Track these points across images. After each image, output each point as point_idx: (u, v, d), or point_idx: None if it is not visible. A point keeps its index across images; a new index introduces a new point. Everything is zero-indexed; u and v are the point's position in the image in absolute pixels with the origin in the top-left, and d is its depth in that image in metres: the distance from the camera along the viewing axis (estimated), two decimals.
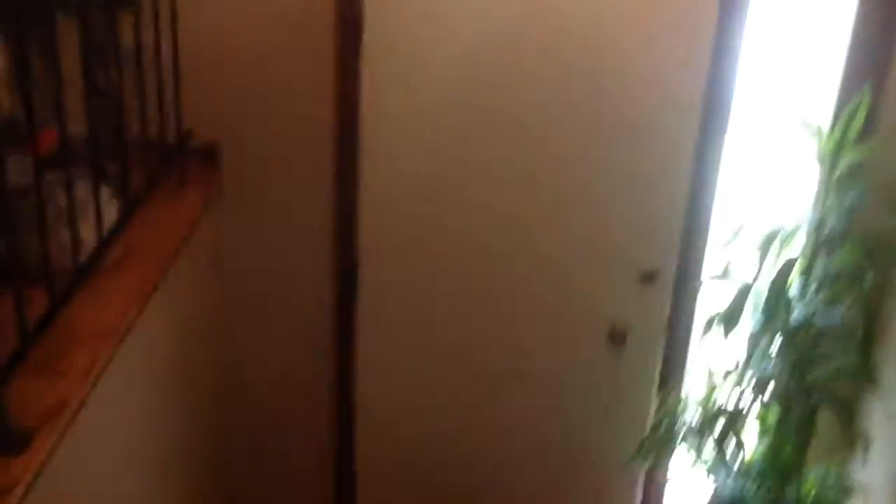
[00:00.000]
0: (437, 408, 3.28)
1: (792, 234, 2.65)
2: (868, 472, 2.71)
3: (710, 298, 3.00)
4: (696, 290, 3.04)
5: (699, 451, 2.88)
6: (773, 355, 2.74)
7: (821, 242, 2.60)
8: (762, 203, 2.92)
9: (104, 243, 2.13)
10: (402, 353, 3.21)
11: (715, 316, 2.77)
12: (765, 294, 2.67)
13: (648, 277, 2.98)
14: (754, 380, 2.77)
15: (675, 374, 3.16)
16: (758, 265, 2.65)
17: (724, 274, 2.84)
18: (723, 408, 2.81)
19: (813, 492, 2.81)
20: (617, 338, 3.06)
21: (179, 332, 2.73)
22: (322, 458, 3.39)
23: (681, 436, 2.92)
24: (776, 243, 2.62)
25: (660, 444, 2.94)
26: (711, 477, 2.92)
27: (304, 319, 3.18)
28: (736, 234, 2.68)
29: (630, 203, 2.93)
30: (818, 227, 2.60)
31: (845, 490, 2.82)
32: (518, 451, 3.31)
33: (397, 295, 3.13)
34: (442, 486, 3.39)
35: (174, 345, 2.69)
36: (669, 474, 3.22)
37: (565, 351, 3.14)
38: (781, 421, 2.71)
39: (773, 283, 2.60)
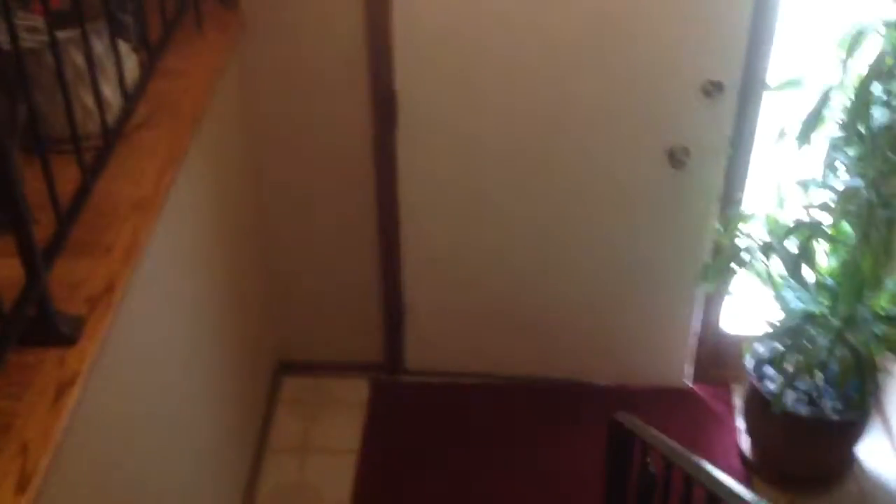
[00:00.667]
0: (486, 238, 3.16)
1: (871, 31, 2.42)
2: None
3: (777, 110, 2.81)
4: (761, 100, 2.82)
5: (766, 268, 2.76)
6: (853, 165, 2.57)
7: None
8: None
9: (129, 102, 1.94)
10: (446, 183, 3.06)
11: (790, 124, 2.59)
12: (848, 98, 2.47)
13: (711, 90, 2.75)
14: (831, 191, 2.62)
15: (738, 191, 2.99)
16: (841, 67, 2.43)
17: (795, 82, 2.63)
18: (798, 221, 2.66)
19: (890, 305, 2.69)
20: (678, 157, 2.87)
21: (217, 186, 2.58)
22: (370, 295, 3.31)
23: (747, 254, 2.80)
24: (860, 42, 2.39)
25: (724, 264, 2.82)
26: (781, 293, 2.82)
27: (342, 154, 3.02)
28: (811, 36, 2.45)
29: (689, 8, 2.66)
30: None
31: None
32: (577, 272, 3.20)
33: (439, 121, 2.93)
34: (493, 313, 3.31)
35: (214, 201, 2.54)
36: (733, 292, 3.11)
37: (625, 169, 2.96)
38: (859, 234, 2.56)
39: (861, 84, 2.39)
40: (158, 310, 2.08)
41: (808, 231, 2.61)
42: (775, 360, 2.97)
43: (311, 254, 3.25)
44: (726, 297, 3.21)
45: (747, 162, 2.96)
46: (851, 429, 2.91)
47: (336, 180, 3.07)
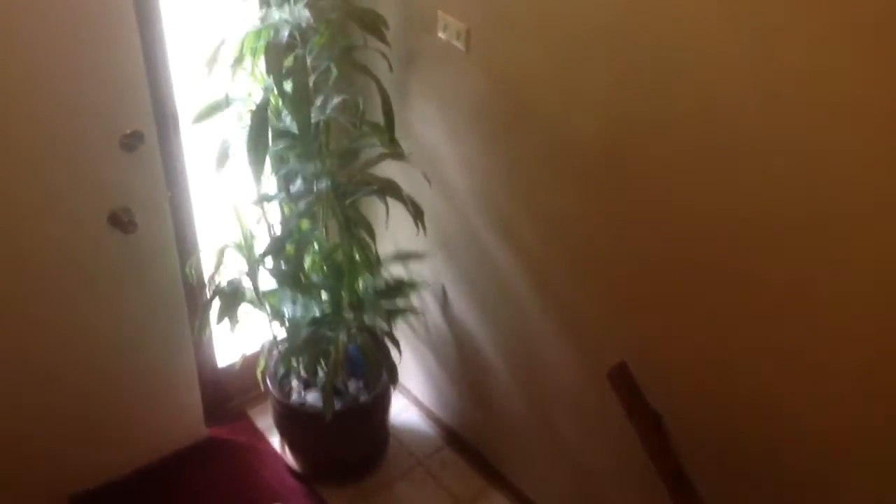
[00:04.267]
0: None
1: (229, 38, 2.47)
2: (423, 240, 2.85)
3: (207, 140, 2.73)
4: (184, 139, 2.73)
5: (257, 295, 2.73)
6: (300, 166, 2.63)
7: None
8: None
9: None
10: None
11: (223, 149, 2.55)
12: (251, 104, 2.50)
13: (132, 142, 2.55)
14: (289, 198, 2.66)
15: (192, 232, 2.89)
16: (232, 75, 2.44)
17: (215, 107, 2.57)
18: (275, 238, 2.66)
19: (372, 283, 2.87)
20: (123, 220, 2.63)
21: None
22: None
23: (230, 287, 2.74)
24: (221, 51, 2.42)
25: (225, 304, 2.72)
26: (281, 310, 2.82)
27: None
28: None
29: (84, 69, 2.42)
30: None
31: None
32: (61, 382, 2.79)
33: None
34: None
35: None
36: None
37: (75, 248, 2.62)
38: (332, 224, 2.66)
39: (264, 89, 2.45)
40: None
41: (295, 242, 2.62)
42: (290, 371, 2.99)
43: None
44: (211, 335, 3.12)
45: (190, 201, 2.86)
46: (381, 403, 3.07)
47: None
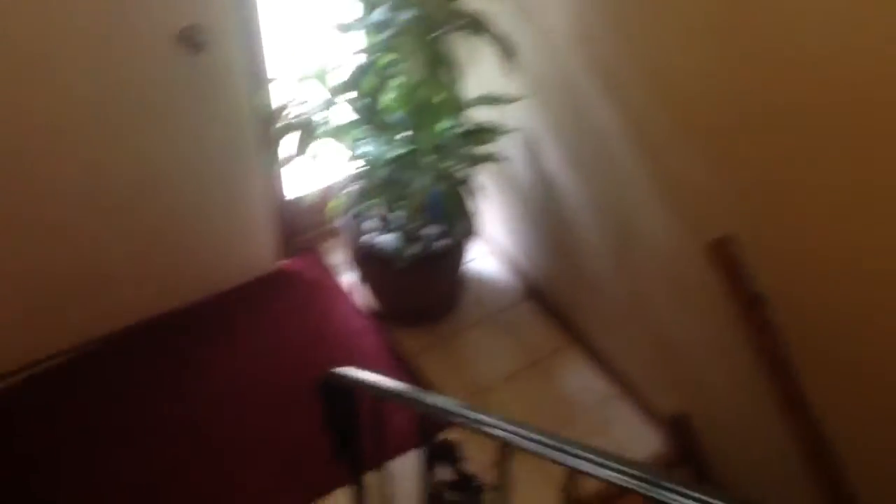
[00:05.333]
0: None
1: None
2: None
3: None
4: None
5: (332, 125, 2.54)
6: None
7: None
8: None
9: None
10: None
11: None
12: None
13: None
14: (377, 27, 2.42)
15: (262, 59, 2.68)
16: None
17: None
18: (358, 67, 2.44)
19: (455, 122, 2.65)
20: (193, 39, 2.43)
21: None
22: None
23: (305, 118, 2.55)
24: None
25: (287, 132, 2.54)
26: (357, 145, 2.64)
27: None
28: None
29: None
30: None
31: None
32: (124, 206, 2.68)
33: None
34: (21, 291, 2.69)
35: None
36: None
37: (139, 67, 2.45)
38: (418, 60, 2.42)
39: None
40: None
41: (376, 76, 2.41)
42: (366, 211, 2.85)
43: None
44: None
45: (259, 26, 2.64)
46: (458, 251, 2.92)
47: None
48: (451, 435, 1.89)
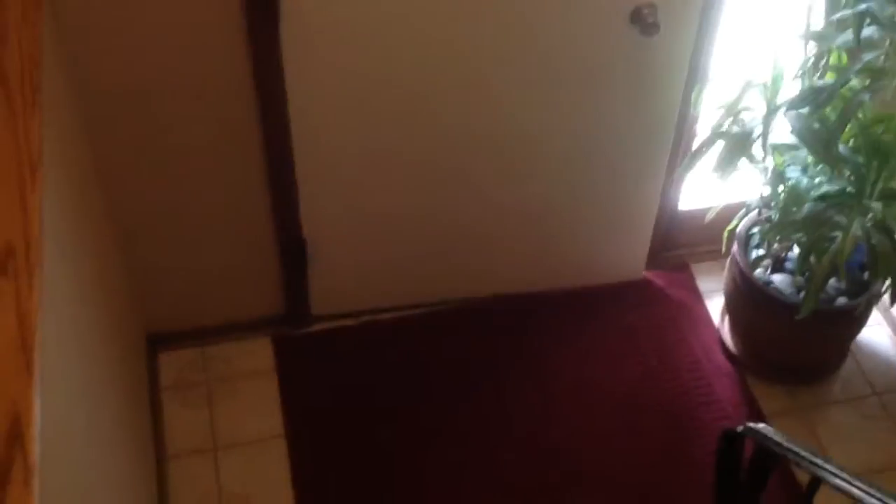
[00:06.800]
0: (405, 137, 2.42)
1: None
2: None
3: None
4: None
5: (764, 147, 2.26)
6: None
7: None
8: None
9: None
10: (348, 71, 2.24)
11: None
12: None
13: None
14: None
15: (703, 64, 2.45)
16: None
17: None
18: (826, 84, 2.14)
19: None
20: (645, 19, 2.25)
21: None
22: (256, 230, 2.53)
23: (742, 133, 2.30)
24: None
25: (729, 150, 2.30)
26: (786, 175, 2.35)
27: (204, 59, 2.16)
28: None
29: None
30: None
31: None
32: (525, 168, 2.56)
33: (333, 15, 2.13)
34: (415, 228, 2.65)
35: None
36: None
37: (585, 36, 2.31)
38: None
39: None
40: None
41: (840, 101, 2.11)
42: (767, 244, 2.55)
43: (171, 184, 2.38)
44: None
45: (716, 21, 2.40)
46: (864, 313, 2.55)
47: (198, 89, 2.20)
48: None
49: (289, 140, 2.31)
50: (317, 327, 2.77)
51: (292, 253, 2.59)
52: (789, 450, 1.51)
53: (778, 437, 1.54)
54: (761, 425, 1.61)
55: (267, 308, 2.73)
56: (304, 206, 2.49)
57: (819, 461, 1.46)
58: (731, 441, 1.65)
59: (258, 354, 2.70)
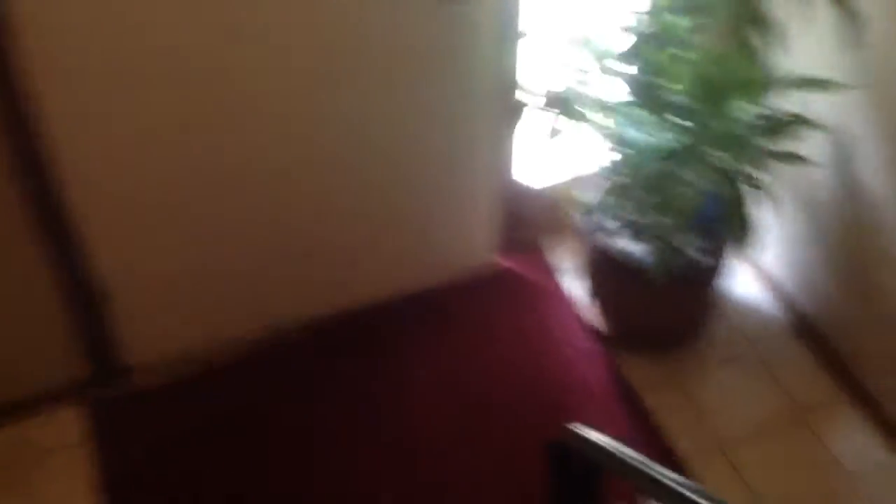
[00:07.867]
0: (207, 155, 2.11)
1: None
2: None
3: None
4: None
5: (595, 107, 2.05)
6: None
7: None
8: None
9: None
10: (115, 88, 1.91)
11: None
12: None
13: None
14: None
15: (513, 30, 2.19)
16: None
17: None
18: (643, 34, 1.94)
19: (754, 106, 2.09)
20: None
21: None
22: (37, 289, 2.17)
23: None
24: None
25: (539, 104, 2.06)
26: (624, 130, 2.13)
27: None
28: None
29: None
30: None
31: None
32: (347, 169, 2.29)
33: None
34: (235, 256, 2.33)
35: None
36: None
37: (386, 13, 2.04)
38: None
39: None
40: None
41: (664, 43, 1.89)
42: (615, 211, 2.34)
43: None
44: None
45: None
46: (722, 267, 2.38)
47: None
48: None
49: (59, 190, 1.98)
50: (139, 383, 2.40)
51: (86, 305, 2.24)
52: (608, 456, 1.27)
53: (601, 442, 1.31)
54: (582, 430, 1.38)
55: (75, 370, 2.36)
56: (97, 252, 2.15)
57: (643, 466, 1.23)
58: (557, 452, 1.41)
59: (67, 426, 2.33)
